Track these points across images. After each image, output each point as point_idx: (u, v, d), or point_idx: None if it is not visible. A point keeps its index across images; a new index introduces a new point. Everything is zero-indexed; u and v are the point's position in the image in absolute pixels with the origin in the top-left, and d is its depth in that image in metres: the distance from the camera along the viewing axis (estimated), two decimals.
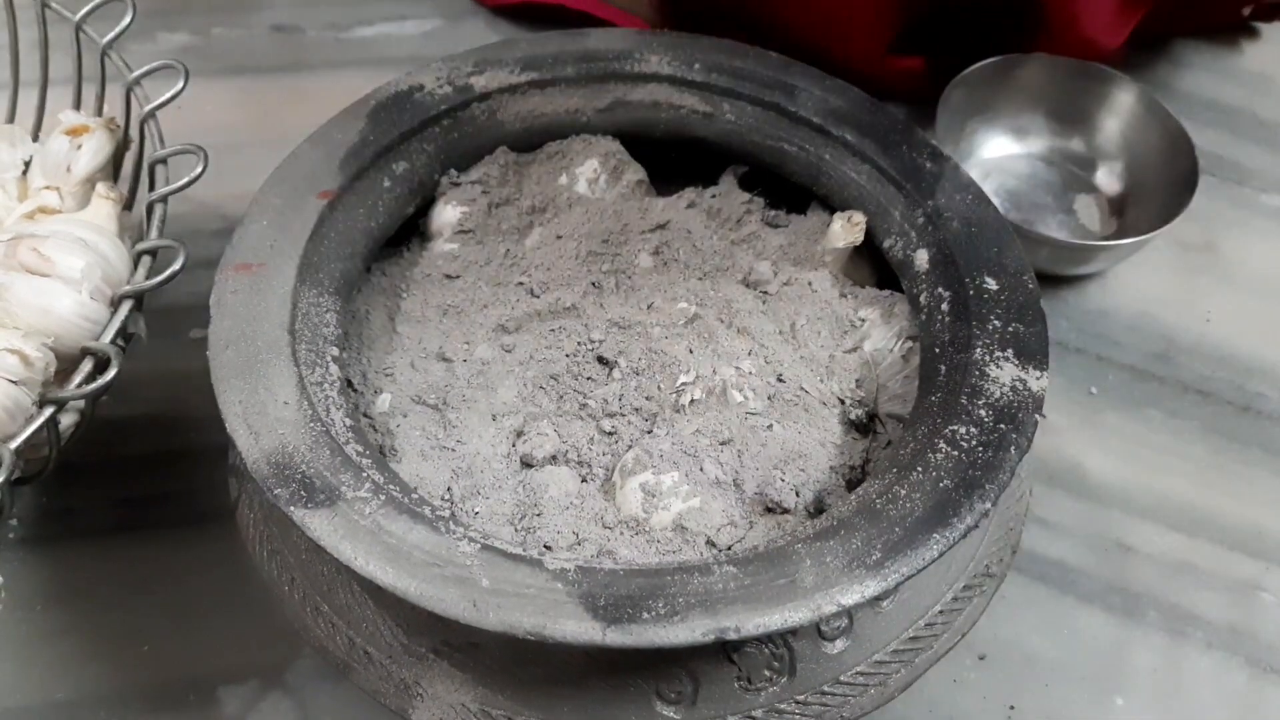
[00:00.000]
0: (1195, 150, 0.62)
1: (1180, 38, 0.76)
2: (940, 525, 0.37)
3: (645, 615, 0.34)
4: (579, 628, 0.34)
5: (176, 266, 0.43)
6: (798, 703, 0.40)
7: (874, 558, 0.36)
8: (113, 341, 0.42)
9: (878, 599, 0.38)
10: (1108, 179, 0.67)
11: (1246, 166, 0.70)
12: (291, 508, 0.36)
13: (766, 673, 0.40)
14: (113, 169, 0.51)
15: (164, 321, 0.57)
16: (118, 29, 0.51)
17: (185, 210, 0.49)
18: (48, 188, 0.49)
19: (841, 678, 0.40)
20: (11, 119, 0.55)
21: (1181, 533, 0.56)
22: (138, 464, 0.54)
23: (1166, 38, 0.76)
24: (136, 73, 0.49)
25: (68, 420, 0.44)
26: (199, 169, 0.46)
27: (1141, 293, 0.64)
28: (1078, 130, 0.68)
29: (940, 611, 0.42)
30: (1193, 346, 0.62)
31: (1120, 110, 0.66)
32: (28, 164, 0.51)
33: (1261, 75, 0.75)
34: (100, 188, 0.49)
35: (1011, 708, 0.50)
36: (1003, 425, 0.40)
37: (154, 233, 0.45)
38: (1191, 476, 0.58)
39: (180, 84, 0.48)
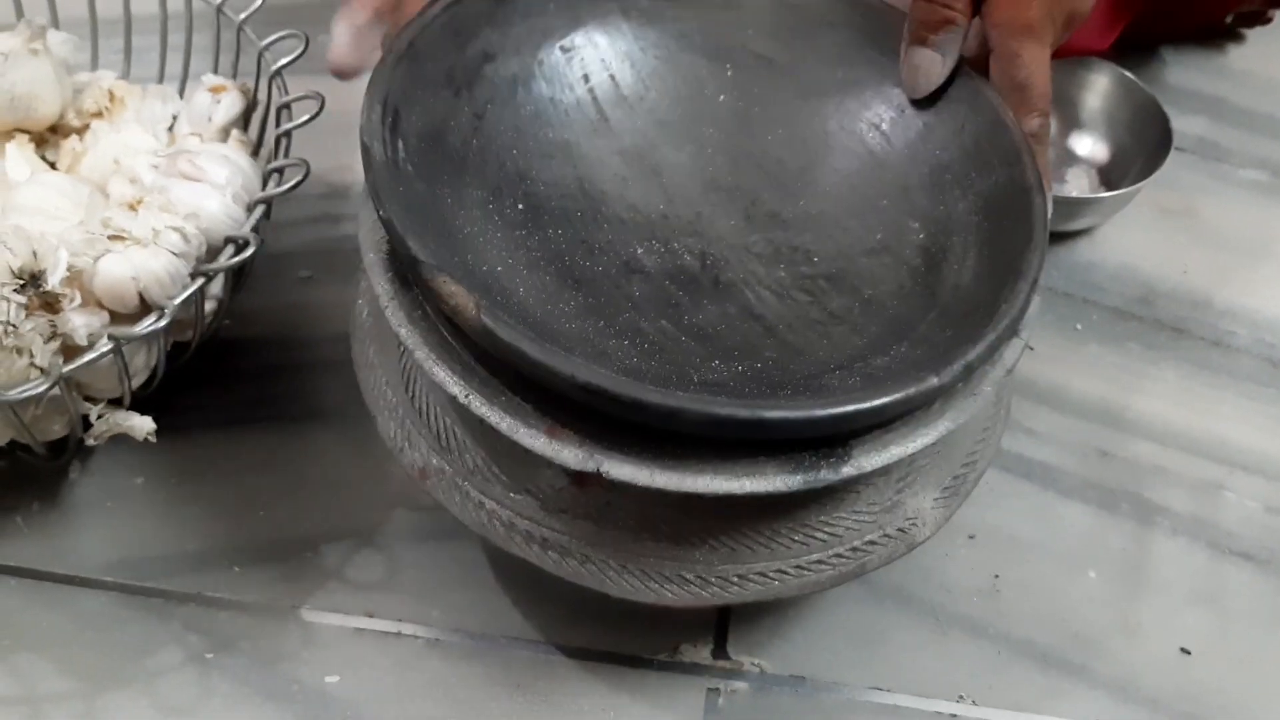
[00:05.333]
0: (1168, 118, 0.70)
1: (1168, 43, 0.84)
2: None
3: None
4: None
5: (300, 176, 0.53)
6: None
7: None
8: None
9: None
10: (1094, 151, 0.75)
11: (1225, 146, 0.78)
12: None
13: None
14: (243, 124, 0.62)
15: (276, 265, 0.68)
16: (252, 8, 0.62)
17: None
18: (192, 134, 0.59)
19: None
20: (160, 82, 0.66)
21: (1154, 442, 0.63)
22: (256, 374, 0.64)
23: (1155, 43, 0.83)
24: (269, 39, 0.60)
25: (210, 306, 0.55)
26: (317, 109, 0.56)
27: (1125, 249, 0.72)
28: (1063, 110, 0.75)
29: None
30: (1170, 293, 0.70)
31: (1098, 89, 0.75)
32: (175, 118, 0.62)
33: (1243, 71, 0.83)
34: (235, 133, 0.59)
35: (996, 576, 0.57)
36: None
37: (281, 156, 0.55)
38: (1165, 397, 0.64)
39: (302, 48, 0.59)
